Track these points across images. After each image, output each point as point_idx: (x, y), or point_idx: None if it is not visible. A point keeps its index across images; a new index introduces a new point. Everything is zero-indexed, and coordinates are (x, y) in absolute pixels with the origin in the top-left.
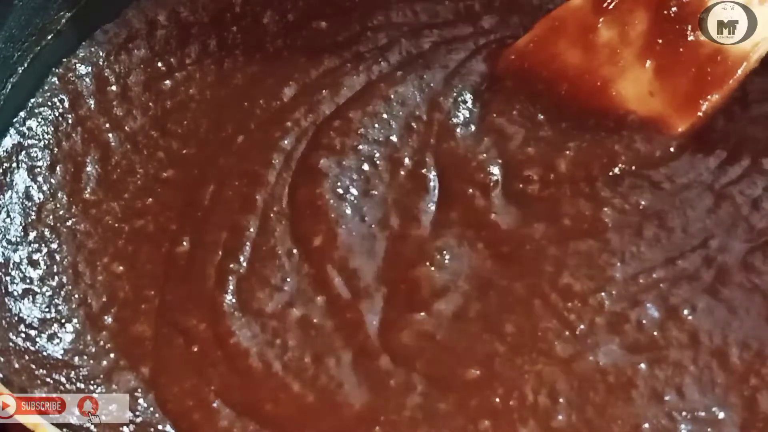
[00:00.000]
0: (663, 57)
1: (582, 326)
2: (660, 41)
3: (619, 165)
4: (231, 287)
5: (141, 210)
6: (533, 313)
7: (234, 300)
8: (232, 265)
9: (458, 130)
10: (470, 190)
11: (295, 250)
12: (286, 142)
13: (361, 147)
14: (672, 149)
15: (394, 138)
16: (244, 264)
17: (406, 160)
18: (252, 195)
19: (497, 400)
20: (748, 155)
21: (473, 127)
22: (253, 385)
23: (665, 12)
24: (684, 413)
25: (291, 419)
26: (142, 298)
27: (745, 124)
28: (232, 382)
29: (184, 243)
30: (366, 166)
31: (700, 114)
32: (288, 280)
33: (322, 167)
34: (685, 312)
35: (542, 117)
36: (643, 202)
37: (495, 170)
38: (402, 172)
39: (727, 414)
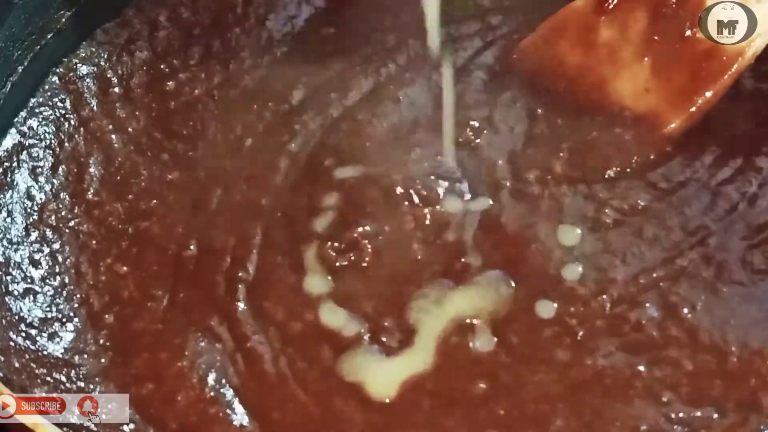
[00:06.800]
0: (660, 54)
1: (582, 331)
2: (657, 38)
3: (614, 168)
4: (241, 295)
5: (145, 212)
6: (536, 321)
7: (246, 307)
8: (240, 273)
9: (465, 128)
10: (478, 191)
11: (301, 257)
12: (293, 145)
13: (369, 148)
14: (668, 149)
15: (402, 140)
16: (252, 272)
17: (414, 163)
18: (258, 200)
19: (501, 411)
20: (741, 153)
21: (478, 124)
22: (265, 390)
23: (664, 10)
24: (681, 414)
25: (295, 430)
26: (148, 297)
27: (737, 121)
28: (249, 386)
29: (192, 247)
30: (373, 170)
31: (693, 109)
32: (294, 287)
33: (328, 168)
34: (685, 311)
35: (540, 112)
36: (641, 202)
37: (500, 172)
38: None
39: (726, 414)
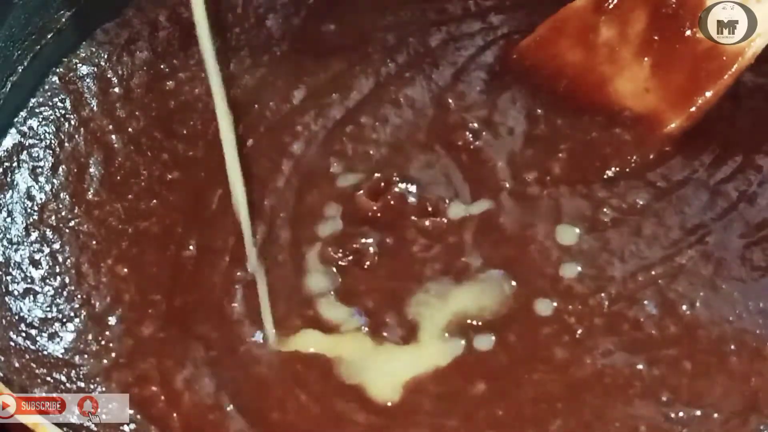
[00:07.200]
0: (660, 54)
1: (581, 329)
2: (657, 38)
3: (613, 167)
4: (239, 296)
5: (145, 212)
6: (535, 319)
7: (242, 308)
8: (239, 273)
9: (465, 128)
10: (479, 193)
11: (303, 259)
12: (295, 146)
13: (372, 152)
14: (667, 149)
15: (403, 141)
16: (252, 272)
17: (416, 163)
18: (260, 201)
19: (501, 412)
20: (740, 151)
21: (478, 124)
22: (263, 392)
23: (663, 10)
24: (681, 413)
25: (296, 429)
26: (148, 302)
27: (736, 120)
28: (245, 389)
29: (191, 247)
30: (376, 173)
31: (693, 109)
32: (295, 287)
33: (332, 173)
34: (684, 308)
35: (540, 111)
36: (640, 201)
37: (500, 172)
38: (412, 176)
39: (725, 414)
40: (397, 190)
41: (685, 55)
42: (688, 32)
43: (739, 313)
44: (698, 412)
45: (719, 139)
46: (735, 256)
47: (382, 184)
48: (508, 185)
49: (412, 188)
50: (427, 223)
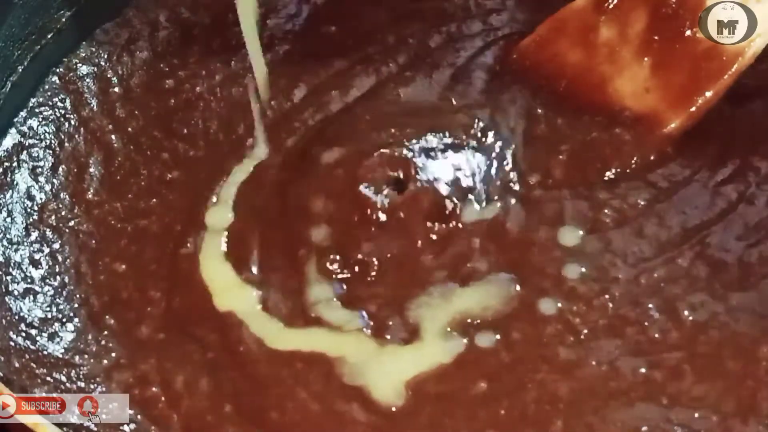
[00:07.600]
0: (660, 54)
1: (586, 330)
2: (657, 38)
3: (614, 168)
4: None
5: (145, 211)
6: (538, 320)
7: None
8: (240, 274)
9: (465, 129)
10: (477, 192)
11: (302, 259)
12: (291, 140)
13: (369, 137)
14: (668, 149)
15: (399, 135)
16: (256, 272)
17: (413, 158)
18: (258, 199)
19: (502, 411)
20: (740, 153)
21: (481, 123)
22: (261, 392)
23: (664, 10)
24: (681, 416)
25: (296, 429)
26: (147, 301)
27: (736, 121)
28: (243, 388)
29: (188, 245)
30: (371, 162)
31: (693, 109)
32: (294, 288)
33: (322, 160)
34: (686, 312)
35: (540, 111)
36: (641, 202)
37: (501, 173)
38: (408, 169)
39: (724, 416)
40: (389, 191)
41: (685, 55)
42: (688, 32)
43: (738, 316)
44: (697, 414)
45: (719, 140)
46: (734, 258)
47: (388, 184)
48: (509, 186)
49: (415, 184)
50: (429, 224)
